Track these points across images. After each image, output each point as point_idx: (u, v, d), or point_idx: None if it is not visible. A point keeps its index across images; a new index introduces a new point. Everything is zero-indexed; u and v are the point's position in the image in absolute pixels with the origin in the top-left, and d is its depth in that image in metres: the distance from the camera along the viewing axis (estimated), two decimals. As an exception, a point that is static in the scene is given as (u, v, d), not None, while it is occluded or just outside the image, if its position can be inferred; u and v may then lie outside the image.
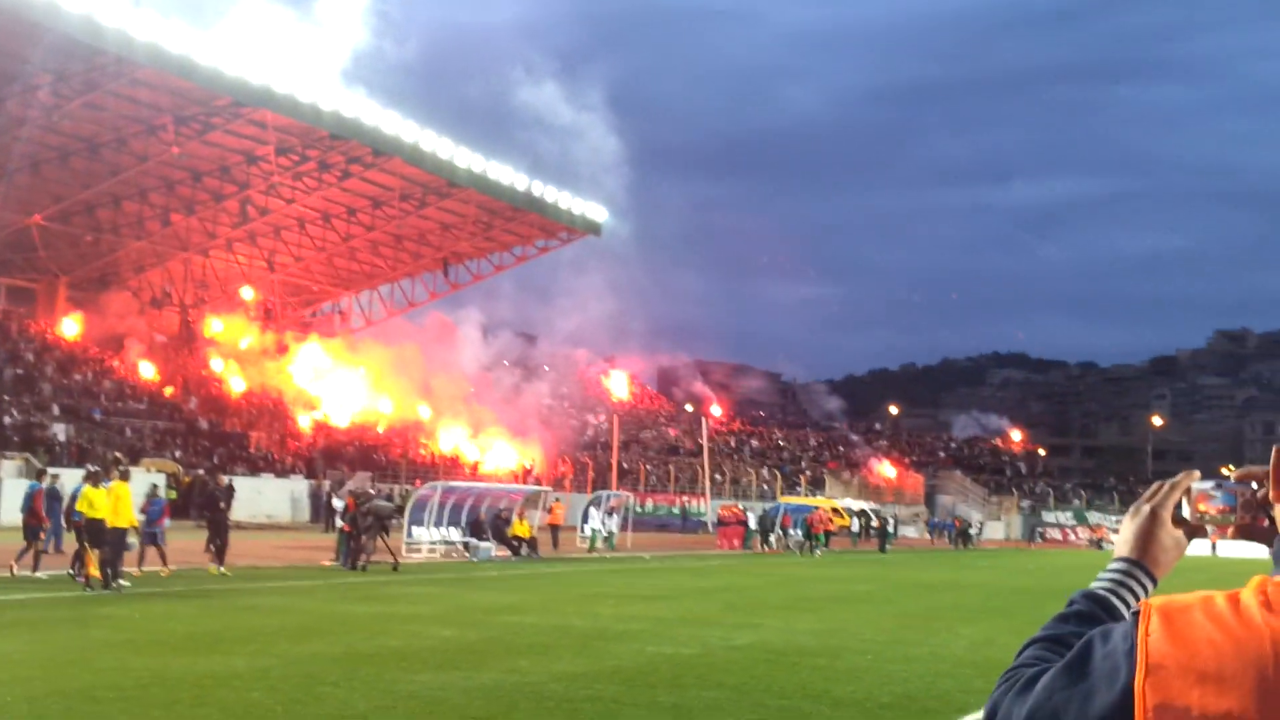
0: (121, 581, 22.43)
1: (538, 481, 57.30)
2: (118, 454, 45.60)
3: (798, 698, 13.19)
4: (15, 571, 23.75)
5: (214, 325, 68.32)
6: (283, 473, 53.68)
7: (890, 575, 37.03)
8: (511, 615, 20.72)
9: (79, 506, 22.47)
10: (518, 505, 38.74)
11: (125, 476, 23.25)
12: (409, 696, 12.20)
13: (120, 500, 22.23)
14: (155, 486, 28.82)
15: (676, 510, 67.01)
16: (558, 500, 45.93)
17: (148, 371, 61.08)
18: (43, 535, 24.94)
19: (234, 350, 66.25)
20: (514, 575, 30.70)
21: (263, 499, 47.80)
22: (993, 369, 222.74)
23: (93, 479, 22.80)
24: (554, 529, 43.19)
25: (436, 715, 11.30)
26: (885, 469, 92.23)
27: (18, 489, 41.40)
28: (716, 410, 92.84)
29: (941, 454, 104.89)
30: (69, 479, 28.63)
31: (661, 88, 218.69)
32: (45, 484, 26.64)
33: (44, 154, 53.70)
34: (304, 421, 64.30)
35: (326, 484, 49.73)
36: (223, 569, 26.46)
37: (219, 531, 27.10)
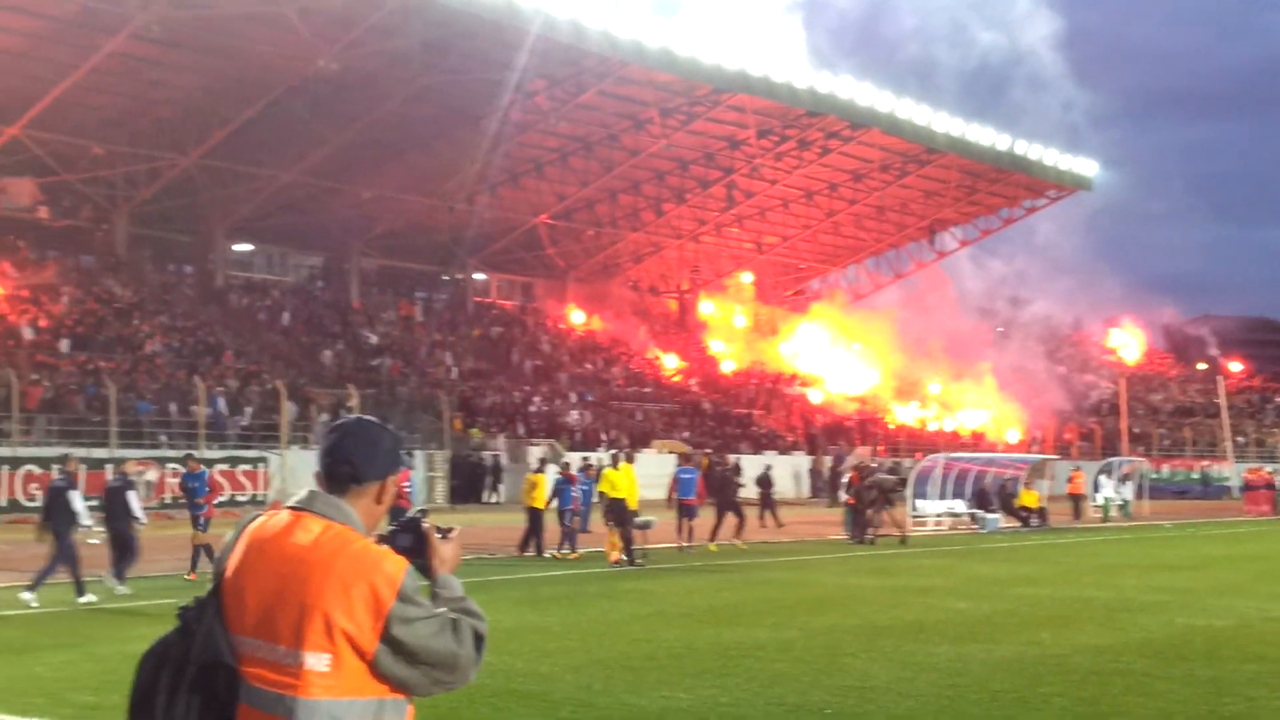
0: (641, 560, 23.52)
1: (1043, 450, 55.63)
2: (623, 438, 48.04)
3: (1355, 673, 12.13)
4: (554, 553, 25.23)
5: (708, 308, 70.58)
6: (784, 450, 54.73)
7: None
8: (1027, 587, 20.22)
9: (601, 488, 23.70)
10: (1024, 475, 37.77)
11: (630, 459, 24.41)
12: (929, 669, 12.12)
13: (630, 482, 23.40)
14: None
15: (1195, 475, 63.35)
16: (1078, 469, 44.32)
17: (652, 357, 63.87)
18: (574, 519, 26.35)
19: (729, 331, 68.20)
20: (1025, 546, 29.96)
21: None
22: None
23: (614, 461, 24.04)
24: (1075, 498, 41.75)
25: (958, 688, 11.16)
26: None
27: (547, 473, 44.49)
28: (1235, 367, 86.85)
29: None
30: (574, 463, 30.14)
31: (1137, 30, 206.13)
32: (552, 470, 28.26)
33: (545, 156, 57.18)
34: (802, 397, 65.34)
35: (828, 459, 50.30)
36: (723, 544, 27.13)
37: (732, 509, 27.84)
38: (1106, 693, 11.13)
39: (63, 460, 18.99)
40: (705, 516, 27.86)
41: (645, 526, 24.34)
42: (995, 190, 67.95)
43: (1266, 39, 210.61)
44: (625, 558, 23.14)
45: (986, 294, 71.13)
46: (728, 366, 66.30)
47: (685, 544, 26.52)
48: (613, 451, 27.14)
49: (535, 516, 25.04)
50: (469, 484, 44.78)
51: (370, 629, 3.31)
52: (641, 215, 64.77)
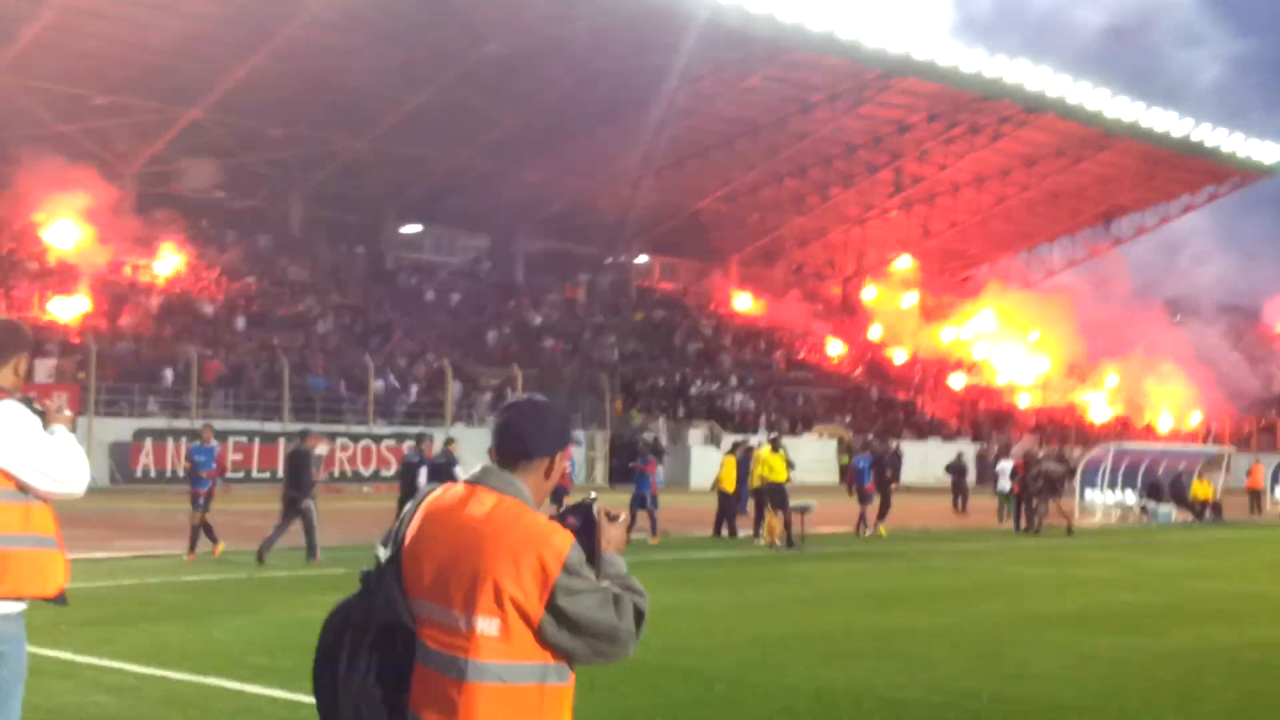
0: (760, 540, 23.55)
1: (1218, 441, 53.98)
2: (783, 422, 47.98)
3: None
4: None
5: (873, 294, 69.92)
6: (949, 437, 54.02)
7: None
8: (1197, 580, 19.73)
9: (759, 471, 23.73)
10: (1198, 466, 36.75)
11: (776, 445, 24.38)
12: (1091, 658, 11.93)
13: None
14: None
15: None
16: (1257, 461, 42.94)
17: (816, 342, 63.55)
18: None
19: (895, 317, 67.49)
20: (1197, 539, 29.18)
21: (930, 463, 48.33)
22: None
23: (774, 444, 24.06)
24: (1254, 493, 40.44)
25: (1121, 678, 10.98)
26: None
27: (705, 455, 44.67)
28: None
29: None
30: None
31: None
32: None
33: (710, 140, 57.15)
34: (967, 384, 64.43)
35: (994, 447, 49.53)
36: (878, 530, 26.97)
37: (884, 495, 27.73)
38: (1274, 686, 10.87)
39: (302, 435, 20.08)
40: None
41: (805, 510, 24.31)
42: (1175, 176, 66.01)
43: None
44: (783, 541, 23.15)
45: (1164, 282, 69.26)
46: (892, 352, 65.65)
47: (865, 530, 26.81)
48: (772, 435, 27.15)
49: (725, 500, 25.09)
50: (629, 465, 45.12)
51: (537, 598, 3.48)
52: (807, 200, 64.43)
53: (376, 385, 41.35)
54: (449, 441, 21.51)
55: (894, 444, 35.54)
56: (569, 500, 9.43)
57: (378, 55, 44.33)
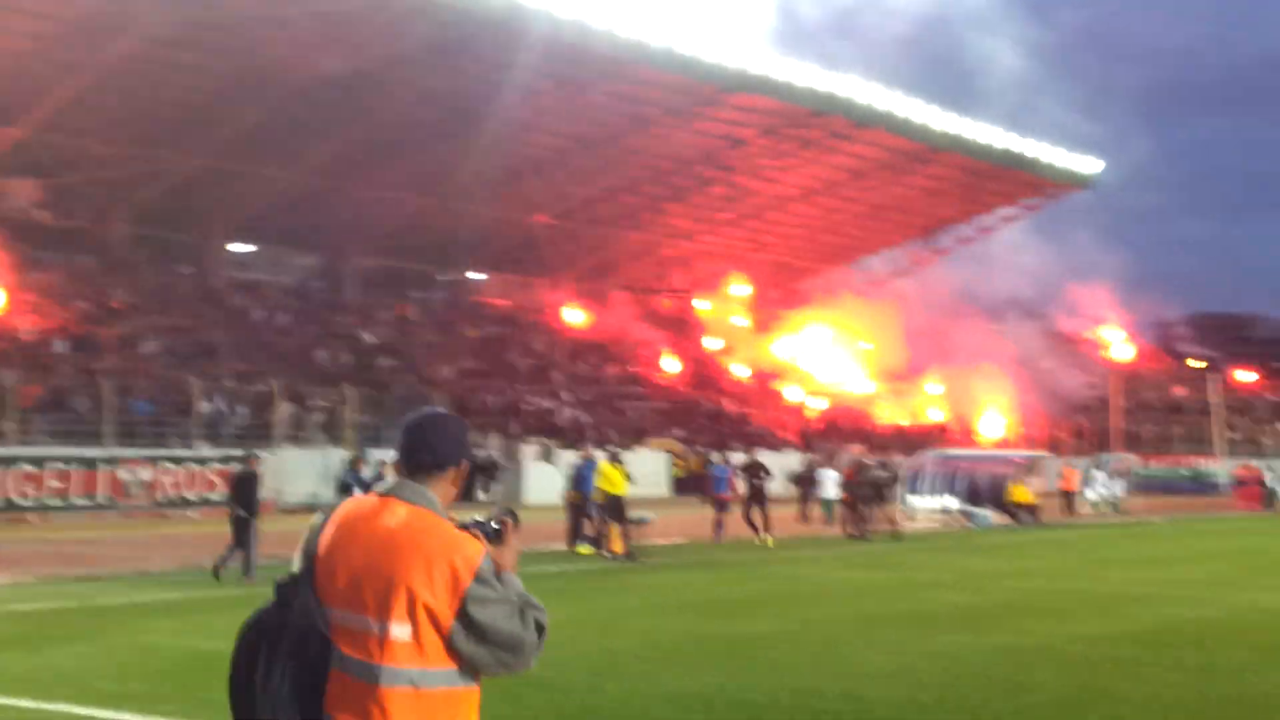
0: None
1: (1034, 447, 55.97)
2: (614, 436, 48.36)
3: (1341, 660, 12.47)
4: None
5: (705, 307, 70.80)
6: (777, 447, 54.97)
7: None
8: (1020, 580, 20.58)
9: (599, 484, 23.99)
10: (1016, 471, 38.12)
11: (615, 459, 24.72)
12: (928, 656, 12.45)
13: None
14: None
15: (1185, 472, 63.72)
16: (1069, 465, 44.72)
17: (646, 357, 64.09)
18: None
19: (726, 330, 68.43)
20: (1017, 541, 30.29)
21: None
22: None
23: (613, 458, 24.36)
24: (1067, 494, 42.07)
25: (956, 674, 11.50)
26: None
27: (539, 471, 44.83)
28: (1229, 366, 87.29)
29: None
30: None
31: (1138, 25, 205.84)
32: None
33: (546, 156, 57.29)
34: (796, 396, 65.63)
35: (821, 456, 50.54)
36: (765, 540, 27.27)
37: (759, 500, 28.10)
38: (1098, 677, 11.48)
39: (245, 458, 21.01)
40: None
41: (641, 522, 24.71)
42: (995, 188, 68.15)
43: (1267, 34, 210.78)
44: (622, 553, 23.46)
45: (985, 292, 71.48)
46: (722, 365, 66.53)
47: (716, 539, 27.44)
48: (611, 449, 27.50)
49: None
50: (466, 483, 44.99)
51: (448, 605, 3.66)
52: (640, 215, 64.96)
53: (203, 407, 40.56)
54: (381, 463, 21.75)
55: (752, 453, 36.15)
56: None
57: (208, 72, 43.56)
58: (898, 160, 62.15)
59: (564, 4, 43.47)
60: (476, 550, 3.74)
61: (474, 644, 3.70)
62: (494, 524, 3.89)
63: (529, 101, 48.58)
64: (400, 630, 3.65)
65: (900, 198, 67.51)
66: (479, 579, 3.69)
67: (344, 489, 19.22)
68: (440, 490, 3.90)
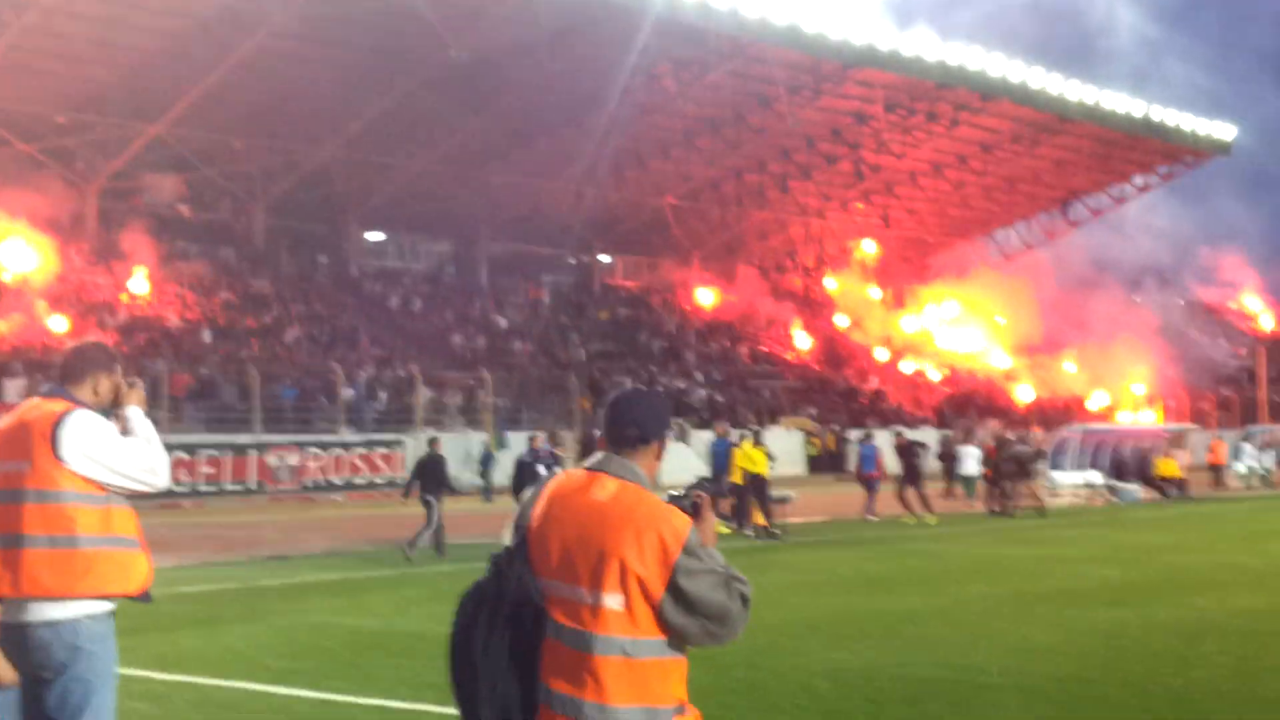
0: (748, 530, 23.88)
1: (1179, 420, 54.73)
2: (749, 416, 48.28)
3: None
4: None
5: (834, 285, 70.36)
6: (913, 424, 54.49)
7: None
8: (1174, 555, 20.16)
9: (741, 463, 24.01)
10: (1162, 444, 37.34)
11: (757, 439, 24.71)
12: (1087, 631, 12.27)
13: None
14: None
15: (1336, 443, 61.85)
16: (1217, 438, 43.79)
17: (776, 335, 63.94)
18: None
19: (857, 307, 67.94)
20: (1166, 516, 29.69)
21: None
22: None
23: (754, 437, 24.40)
24: (1215, 468, 41.19)
25: (1118, 649, 11.32)
26: None
27: (673, 451, 44.83)
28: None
29: None
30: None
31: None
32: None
33: (671, 138, 57.41)
34: (930, 371, 64.97)
35: (960, 433, 49.97)
36: (925, 517, 27.08)
37: (915, 480, 27.86)
38: (1266, 652, 11.23)
39: (431, 441, 22.21)
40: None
41: (783, 500, 24.73)
42: (1130, 157, 66.71)
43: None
44: (764, 530, 23.47)
45: (1122, 262, 70.02)
46: (854, 342, 66.07)
47: (870, 515, 27.27)
48: (754, 429, 27.54)
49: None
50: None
51: (658, 576, 3.75)
52: (767, 193, 64.77)
53: (346, 393, 41.37)
54: (551, 436, 22.51)
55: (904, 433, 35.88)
56: None
57: (338, 64, 44.34)
58: (1027, 131, 61.13)
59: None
60: (684, 523, 3.83)
61: (683, 615, 3.77)
62: (692, 499, 3.96)
63: (652, 84, 48.70)
64: (613, 600, 3.74)
65: (1031, 169, 66.42)
66: (687, 551, 3.77)
67: (522, 469, 19.63)
68: (645, 464, 4.00)
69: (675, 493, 3.99)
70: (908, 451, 28.31)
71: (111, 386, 5.56)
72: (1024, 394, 63.84)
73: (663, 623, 3.77)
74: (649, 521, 3.78)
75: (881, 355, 65.35)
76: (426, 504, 20.15)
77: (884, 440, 32.06)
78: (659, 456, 4.05)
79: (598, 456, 4.01)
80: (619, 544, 3.75)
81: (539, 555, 3.87)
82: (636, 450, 3.99)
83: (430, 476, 20.63)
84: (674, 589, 3.75)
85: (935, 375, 65.02)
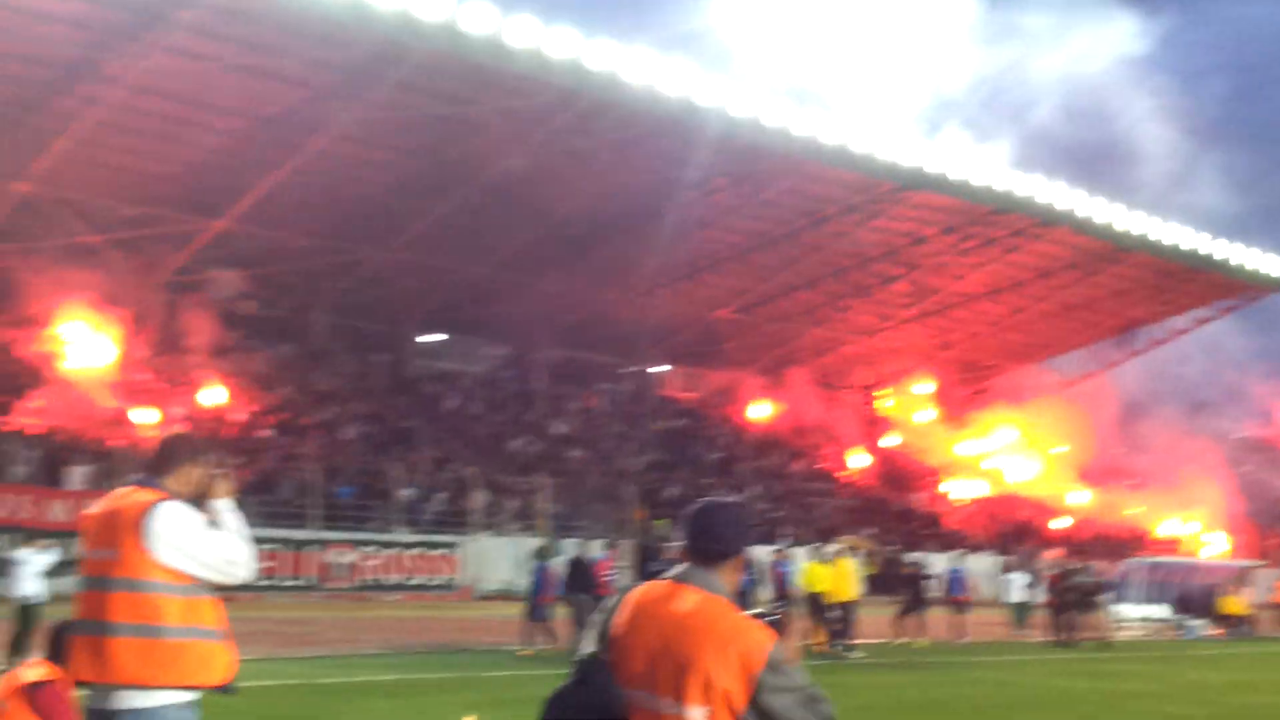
0: (855, 652, 23.59)
1: (1246, 556, 53.81)
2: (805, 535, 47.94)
3: None
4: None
5: (891, 404, 70.07)
6: (972, 548, 53.83)
7: None
8: (1246, 695, 19.68)
9: (803, 581, 23.79)
10: (1229, 581, 36.65)
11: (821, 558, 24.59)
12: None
13: (844, 575, 23.61)
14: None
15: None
16: (1283, 577, 43.03)
17: (831, 453, 63.63)
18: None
19: (912, 428, 67.55)
20: (1234, 654, 29.05)
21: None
22: None
23: (821, 556, 24.20)
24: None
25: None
26: None
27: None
28: None
29: None
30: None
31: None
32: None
33: (725, 252, 57.65)
34: (986, 495, 64.36)
35: (1016, 559, 49.37)
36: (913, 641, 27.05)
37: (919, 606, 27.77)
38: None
39: (579, 545, 23.66)
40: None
41: (839, 620, 24.39)
42: (1187, 290, 66.32)
43: None
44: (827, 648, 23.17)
45: (1178, 395, 69.43)
46: (911, 462, 65.60)
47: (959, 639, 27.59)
48: (816, 546, 27.35)
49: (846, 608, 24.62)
50: (654, 574, 45.01)
51: (741, 691, 3.72)
52: (819, 310, 64.81)
53: (402, 493, 41.39)
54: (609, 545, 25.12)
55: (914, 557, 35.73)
56: None
57: (400, 168, 44.95)
58: (1084, 259, 61.01)
59: (738, 103, 43.73)
60: (768, 638, 3.80)
61: None
62: (775, 615, 3.92)
63: (707, 198, 49.14)
64: (695, 713, 3.73)
65: (1089, 297, 66.18)
66: (770, 667, 3.76)
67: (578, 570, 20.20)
68: (728, 578, 3.95)
69: (759, 609, 3.95)
70: (914, 577, 28.14)
71: (202, 476, 5.59)
72: (1086, 524, 62.91)
73: None
74: (733, 635, 3.77)
75: (938, 477, 64.82)
76: (579, 606, 20.81)
77: (936, 562, 31.70)
78: (740, 570, 4.01)
79: (680, 568, 3.97)
80: (702, 656, 3.74)
81: (621, 663, 3.87)
82: (717, 563, 3.91)
83: (583, 578, 21.37)
84: (756, 704, 3.74)
85: (993, 500, 64.37)
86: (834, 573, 23.65)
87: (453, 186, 45.66)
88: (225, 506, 5.58)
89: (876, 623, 29.71)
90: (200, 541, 5.35)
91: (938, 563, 35.22)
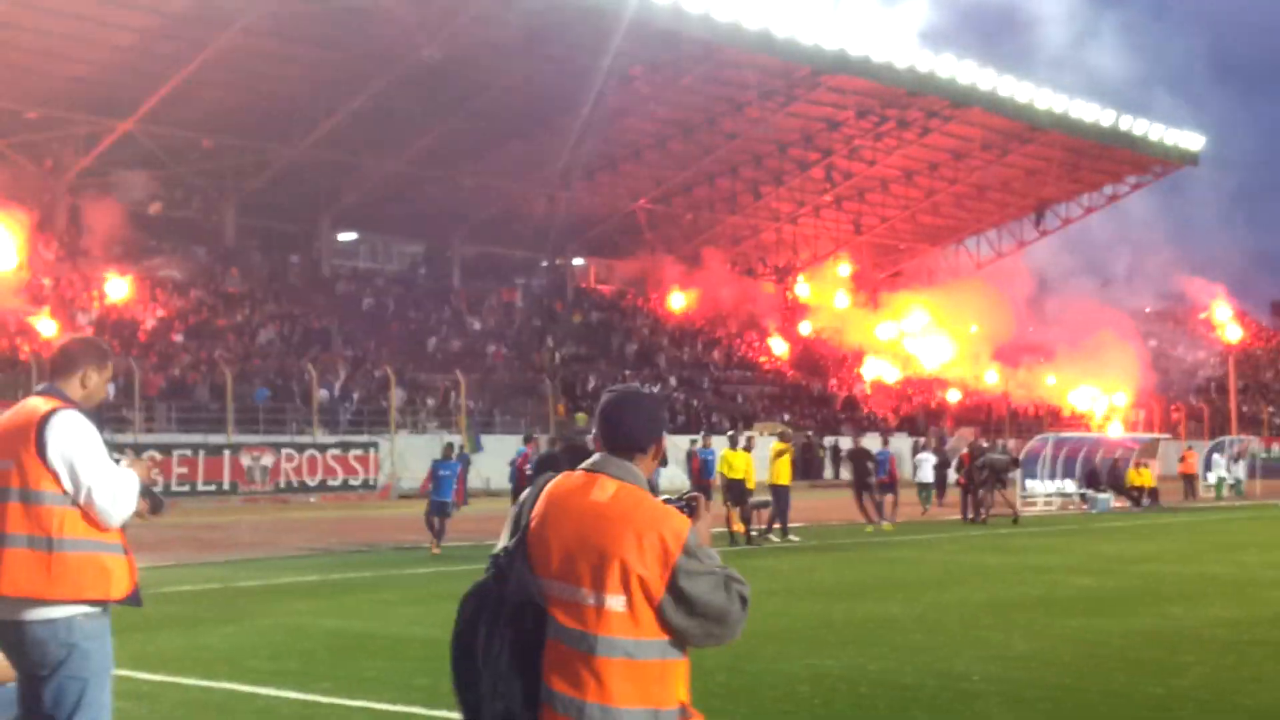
0: (771, 538, 23.98)
1: (1150, 430, 55.14)
2: (724, 422, 48.36)
3: None
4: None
5: (805, 290, 70.50)
6: (886, 432, 54.59)
7: None
8: (1149, 564, 20.27)
9: (720, 468, 24.07)
10: (1135, 454, 37.55)
11: (735, 443, 24.80)
12: (1066, 639, 12.34)
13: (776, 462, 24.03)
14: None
15: (1306, 454, 62.42)
16: (1189, 448, 44.19)
17: (751, 340, 64.02)
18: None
19: (830, 313, 68.08)
20: (1140, 525, 29.86)
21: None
22: None
23: (732, 442, 24.47)
24: (1187, 478, 41.57)
25: (1098, 658, 11.37)
26: None
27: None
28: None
29: None
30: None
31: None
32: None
33: (644, 141, 57.45)
34: (898, 378, 65.15)
35: (932, 440, 50.17)
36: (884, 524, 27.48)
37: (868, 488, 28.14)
38: (1245, 660, 11.31)
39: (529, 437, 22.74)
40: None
41: (762, 506, 24.76)
42: (1099, 167, 67.13)
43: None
44: (744, 533, 23.50)
45: (1090, 272, 70.46)
46: (827, 348, 66.20)
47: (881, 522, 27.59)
48: (730, 434, 27.59)
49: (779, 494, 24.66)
50: (576, 466, 45.23)
51: (658, 577, 3.75)
52: (739, 198, 64.88)
53: (320, 394, 41.21)
54: (553, 440, 22.60)
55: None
56: None
57: (311, 63, 44.16)
58: (998, 140, 61.47)
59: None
60: (684, 524, 3.83)
61: (683, 616, 3.77)
62: (687, 500, 3.97)
63: (625, 87, 48.72)
64: (615, 601, 3.74)
65: (1003, 177, 66.76)
66: (686, 552, 3.77)
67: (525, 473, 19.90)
68: (643, 465, 3.99)
69: (669, 496, 4.00)
70: (859, 459, 28.53)
71: (101, 382, 5.52)
72: (998, 402, 64.03)
73: (664, 623, 3.77)
74: (649, 522, 3.77)
75: (854, 362, 65.49)
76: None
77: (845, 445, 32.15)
78: (656, 458, 4.04)
79: (595, 457, 3.98)
80: (620, 545, 3.75)
81: (539, 556, 3.86)
82: (634, 452, 3.98)
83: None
84: (674, 589, 3.75)
85: (907, 382, 65.20)
86: (753, 460, 23.91)
87: (365, 80, 44.94)
88: (130, 473, 5.41)
89: (798, 507, 30.21)
90: (91, 459, 5.24)
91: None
